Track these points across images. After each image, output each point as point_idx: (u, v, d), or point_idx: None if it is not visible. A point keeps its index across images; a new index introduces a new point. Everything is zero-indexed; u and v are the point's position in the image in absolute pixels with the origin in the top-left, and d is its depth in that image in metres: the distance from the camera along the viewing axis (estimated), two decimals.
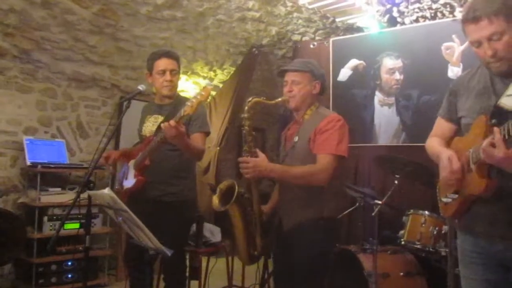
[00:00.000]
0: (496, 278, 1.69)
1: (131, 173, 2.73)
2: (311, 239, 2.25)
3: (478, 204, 1.67)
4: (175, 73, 2.76)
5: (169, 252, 1.93)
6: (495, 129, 1.44)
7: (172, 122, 2.31)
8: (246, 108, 2.32)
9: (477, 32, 1.59)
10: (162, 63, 2.73)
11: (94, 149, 2.69)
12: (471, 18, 1.59)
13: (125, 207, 1.95)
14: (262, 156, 2.26)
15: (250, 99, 2.34)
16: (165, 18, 3.98)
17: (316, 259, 2.27)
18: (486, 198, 1.61)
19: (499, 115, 1.51)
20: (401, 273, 2.97)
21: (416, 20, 4.24)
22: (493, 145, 1.43)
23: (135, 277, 2.81)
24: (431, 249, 2.90)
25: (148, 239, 1.96)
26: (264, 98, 2.37)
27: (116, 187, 2.84)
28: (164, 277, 2.82)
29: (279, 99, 2.40)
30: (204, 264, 3.50)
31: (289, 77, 2.40)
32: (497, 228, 1.63)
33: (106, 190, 1.98)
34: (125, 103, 2.52)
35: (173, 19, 4.03)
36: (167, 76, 2.73)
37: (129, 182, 2.71)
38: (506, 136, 1.40)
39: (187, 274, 3.01)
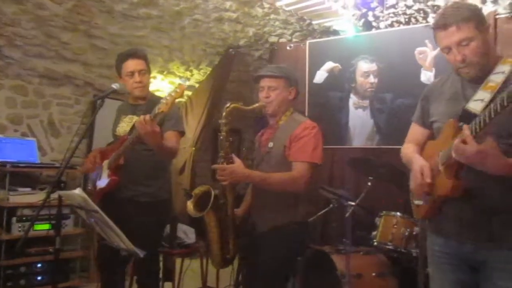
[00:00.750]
0: (465, 279, 1.72)
1: (105, 173, 2.69)
2: (283, 243, 2.28)
3: (448, 205, 1.71)
4: (144, 72, 2.72)
5: (141, 253, 1.91)
6: (465, 126, 1.48)
7: (146, 117, 2.28)
8: (224, 114, 2.31)
9: (446, 38, 1.65)
10: (130, 65, 2.69)
11: (66, 148, 2.65)
12: (441, 25, 1.66)
13: (96, 208, 1.92)
14: (238, 162, 2.26)
15: (228, 104, 2.33)
16: (141, 16, 3.93)
17: (285, 262, 2.33)
18: (454, 198, 1.65)
19: (466, 118, 1.56)
20: (374, 274, 3.00)
21: (391, 25, 4.31)
22: (464, 142, 1.46)
23: (107, 279, 2.76)
24: (402, 250, 2.95)
25: (120, 240, 1.93)
26: (241, 103, 2.37)
27: (89, 187, 2.80)
28: (137, 279, 2.78)
29: (256, 104, 2.41)
30: (178, 265, 3.48)
31: (266, 82, 2.40)
32: (467, 229, 1.67)
33: (77, 191, 1.94)
34: (98, 102, 2.48)
35: (149, 18, 3.98)
36: (136, 77, 2.69)
37: (103, 182, 2.67)
38: (473, 133, 1.46)
39: (161, 275, 2.98)
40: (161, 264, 3.01)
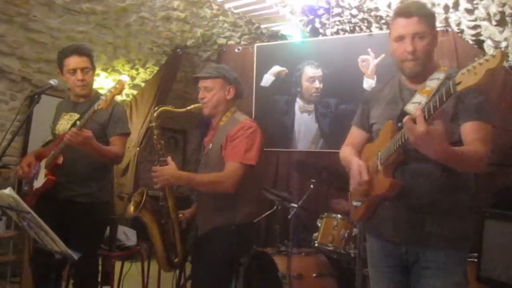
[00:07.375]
0: (401, 279, 1.79)
1: (42, 172, 2.58)
2: (221, 244, 2.28)
3: (383, 207, 1.77)
4: (87, 71, 2.62)
5: (76, 256, 1.84)
6: (417, 106, 1.49)
7: (73, 129, 2.26)
8: (154, 117, 2.32)
9: (405, 26, 1.70)
10: (72, 61, 2.58)
11: None
12: (404, 12, 1.72)
13: (28, 209, 1.82)
14: (171, 164, 2.26)
15: (156, 108, 2.32)
16: (84, 11, 3.79)
17: (224, 265, 2.31)
18: (389, 199, 1.71)
19: None
20: (314, 274, 3.07)
21: (337, 32, 4.44)
22: (414, 121, 1.46)
23: (41, 284, 2.63)
24: (342, 251, 3.03)
25: (54, 242, 1.85)
26: (172, 106, 2.38)
27: (26, 188, 2.67)
28: (74, 283, 2.69)
29: (191, 106, 2.40)
30: (118, 268, 3.38)
31: (201, 83, 2.40)
32: (400, 231, 1.73)
33: (7, 190, 1.83)
34: (35, 98, 2.38)
35: (93, 13, 3.85)
36: (79, 75, 2.59)
37: (39, 182, 2.56)
38: (426, 116, 1.45)
39: (99, 279, 2.88)
40: (100, 267, 2.91)
